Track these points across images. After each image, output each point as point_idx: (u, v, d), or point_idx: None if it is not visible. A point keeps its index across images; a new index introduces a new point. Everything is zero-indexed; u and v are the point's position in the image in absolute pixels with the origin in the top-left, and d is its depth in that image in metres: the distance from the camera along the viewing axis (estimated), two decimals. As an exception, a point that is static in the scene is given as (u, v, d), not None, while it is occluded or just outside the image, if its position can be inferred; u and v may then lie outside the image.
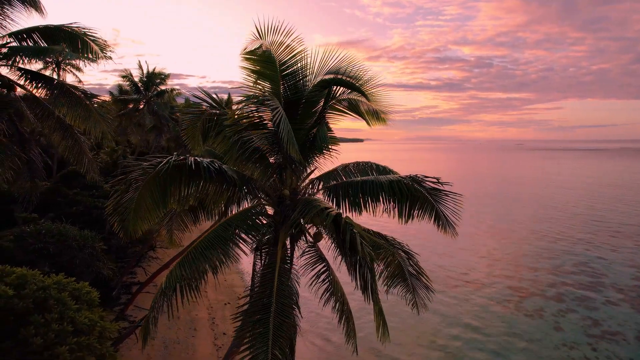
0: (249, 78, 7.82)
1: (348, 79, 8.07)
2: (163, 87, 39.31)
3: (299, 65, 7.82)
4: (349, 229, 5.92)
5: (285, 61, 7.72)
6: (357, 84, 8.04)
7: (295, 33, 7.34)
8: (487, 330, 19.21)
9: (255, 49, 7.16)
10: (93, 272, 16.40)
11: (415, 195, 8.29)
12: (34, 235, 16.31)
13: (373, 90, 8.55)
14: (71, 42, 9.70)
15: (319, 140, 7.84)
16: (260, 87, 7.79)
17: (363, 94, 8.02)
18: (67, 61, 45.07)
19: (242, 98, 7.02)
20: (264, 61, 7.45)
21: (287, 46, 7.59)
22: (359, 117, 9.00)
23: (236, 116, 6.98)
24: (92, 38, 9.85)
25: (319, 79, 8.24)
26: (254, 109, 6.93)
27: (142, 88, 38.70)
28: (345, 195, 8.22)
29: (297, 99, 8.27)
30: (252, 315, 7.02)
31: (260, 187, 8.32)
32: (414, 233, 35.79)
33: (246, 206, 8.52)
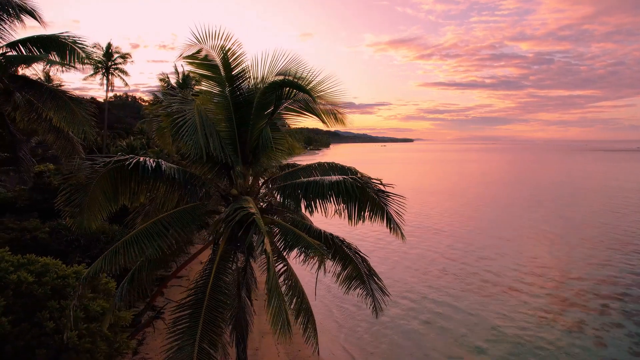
0: (203, 81, 8.11)
1: (295, 80, 8.17)
2: (198, 88, 41.09)
3: (242, 67, 8.01)
4: (253, 228, 6.04)
5: (229, 64, 7.93)
6: (303, 85, 8.12)
7: (234, 37, 7.54)
8: (518, 341, 17.66)
9: (194, 54, 7.44)
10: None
11: (364, 197, 8.26)
12: (67, 227, 17.70)
13: (326, 92, 8.59)
14: (60, 50, 10.58)
15: (263, 140, 7.99)
16: (206, 90, 8.06)
17: (309, 94, 8.09)
18: (115, 66, 48.41)
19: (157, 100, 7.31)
20: (206, 65, 7.72)
21: (229, 50, 7.80)
22: (316, 118, 9.06)
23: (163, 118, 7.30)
24: (80, 46, 10.69)
25: (269, 80, 8.40)
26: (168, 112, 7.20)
27: (178, 90, 40.65)
28: (291, 195, 8.32)
29: (247, 100, 8.47)
30: (186, 310, 7.31)
31: (211, 186, 8.60)
32: (456, 239, 35.06)
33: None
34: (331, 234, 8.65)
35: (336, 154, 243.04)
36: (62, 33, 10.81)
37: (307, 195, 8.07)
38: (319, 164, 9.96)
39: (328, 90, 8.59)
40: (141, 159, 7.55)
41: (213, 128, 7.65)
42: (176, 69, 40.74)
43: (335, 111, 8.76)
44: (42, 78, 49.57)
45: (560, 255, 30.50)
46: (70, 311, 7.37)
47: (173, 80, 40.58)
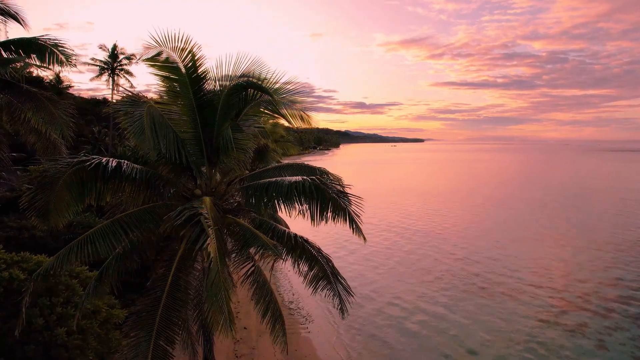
0: (162, 83, 8.26)
1: (258, 82, 8.27)
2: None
3: (203, 69, 8.13)
4: (198, 228, 6.15)
5: (191, 66, 8.05)
6: (265, 87, 8.22)
7: (194, 40, 7.67)
8: (515, 342, 17.36)
9: (154, 57, 7.58)
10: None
11: (325, 198, 8.32)
12: (65, 226, 18.05)
13: (289, 93, 8.68)
14: (40, 52, 10.85)
15: (222, 141, 8.10)
16: (167, 91, 8.18)
17: (270, 95, 8.18)
18: (121, 67, 49.18)
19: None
20: (168, 67, 7.86)
21: (190, 52, 7.92)
22: (282, 118, 9.16)
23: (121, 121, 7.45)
24: (60, 49, 10.94)
25: (234, 82, 8.51)
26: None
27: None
28: (254, 195, 8.42)
29: (212, 102, 8.58)
30: (144, 307, 7.46)
31: (178, 186, 8.74)
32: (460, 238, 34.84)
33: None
34: (295, 234, 8.70)
35: (346, 154, 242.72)
36: (42, 36, 11.10)
37: (268, 196, 8.15)
38: (289, 164, 10.05)
39: (291, 92, 8.70)
40: (104, 159, 7.70)
41: (170, 129, 7.78)
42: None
43: (298, 110, 8.81)
44: (53, 80, 50.59)
45: (566, 257, 29.98)
46: (23, 308, 7.53)
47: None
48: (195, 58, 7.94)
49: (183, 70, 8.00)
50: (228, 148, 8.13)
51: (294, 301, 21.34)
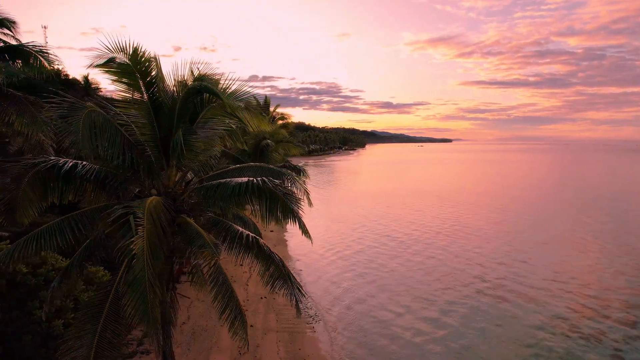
0: (120, 87, 8.63)
1: (211, 86, 8.55)
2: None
3: (154, 74, 8.45)
4: (126, 226, 6.45)
5: (144, 72, 8.39)
6: (217, 91, 8.49)
7: (144, 48, 8.01)
8: (527, 347, 16.92)
9: (107, 63, 7.95)
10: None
11: (273, 198, 8.52)
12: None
13: (243, 97, 8.92)
14: (25, 58, 11.54)
15: (175, 143, 8.40)
16: (124, 95, 8.55)
17: (221, 98, 8.44)
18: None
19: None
20: (122, 73, 8.22)
21: (142, 58, 8.25)
22: (240, 120, 9.40)
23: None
24: (44, 55, 11.61)
25: (189, 86, 8.82)
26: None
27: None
28: (205, 195, 8.70)
29: (168, 105, 8.91)
30: (94, 300, 7.85)
31: (138, 186, 9.11)
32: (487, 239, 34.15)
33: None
34: (249, 234, 8.93)
35: (371, 154, 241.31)
36: (28, 43, 11.82)
37: (216, 195, 8.40)
38: (253, 165, 10.29)
39: (247, 94, 8.94)
40: (61, 160, 8.13)
41: (118, 132, 8.12)
42: (191, 71, 42.15)
43: (248, 111, 9.03)
44: (82, 82, 52.84)
45: (592, 262, 28.80)
46: None
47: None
48: (147, 64, 8.28)
49: (137, 74, 8.35)
50: (182, 150, 8.42)
51: (302, 301, 21.52)
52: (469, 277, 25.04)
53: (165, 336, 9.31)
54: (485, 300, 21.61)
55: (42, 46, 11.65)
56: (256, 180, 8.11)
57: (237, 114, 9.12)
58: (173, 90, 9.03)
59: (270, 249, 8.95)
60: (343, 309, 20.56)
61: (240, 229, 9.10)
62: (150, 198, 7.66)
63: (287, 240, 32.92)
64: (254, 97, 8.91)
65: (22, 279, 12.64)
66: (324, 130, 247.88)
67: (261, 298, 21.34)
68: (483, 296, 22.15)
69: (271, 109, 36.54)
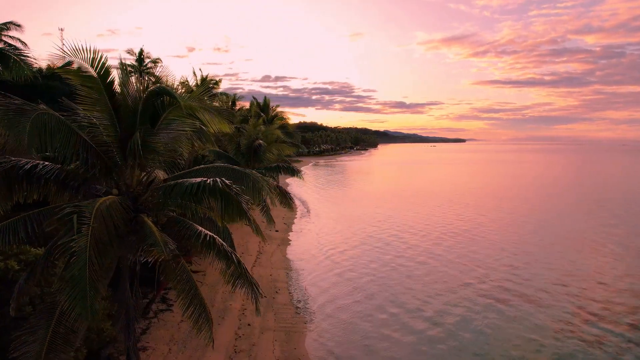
0: (82, 89, 8.86)
1: (169, 89, 8.75)
2: (216, 90, 43.69)
3: (111, 77, 8.66)
4: (69, 225, 6.65)
5: (104, 74, 8.60)
6: (175, 93, 8.68)
7: (101, 52, 8.23)
8: (524, 350, 16.68)
9: (65, 66, 8.19)
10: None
11: (229, 199, 8.66)
12: None
13: (200, 98, 9.09)
14: (5, 61, 11.92)
15: (131, 144, 8.60)
16: (85, 97, 8.77)
17: (178, 100, 8.62)
18: (147, 70, 51.72)
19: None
20: (82, 76, 8.46)
21: (101, 61, 8.47)
22: (201, 121, 9.58)
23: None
24: (22, 58, 11.99)
25: (150, 89, 9.03)
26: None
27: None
28: (163, 195, 8.89)
29: (130, 107, 9.13)
30: (51, 297, 8.08)
31: (101, 186, 9.35)
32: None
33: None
34: (207, 234, 9.10)
35: (383, 154, 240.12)
36: (6, 47, 12.18)
37: (173, 195, 8.58)
38: (218, 166, 10.46)
39: (201, 97, 9.13)
40: (22, 161, 8.40)
41: (73, 134, 8.34)
42: (194, 72, 42.83)
43: (208, 112, 9.19)
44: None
45: (599, 264, 28.24)
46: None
47: (192, 83, 42.66)
48: (106, 67, 8.49)
49: (96, 77, 8.57)
50: (139, 150, 8.61)
51: (302, 300, 21.43)
52: (469, 278, 24.92)
53: (129, 332, 9.52)
54: (485, 301, 21.53)
55: (21, 50, 12.02)
56: (209, 180, 8.26)
57: (197, 115, 9.30)
58: (136, 92, 9.23)
59: (228, 249, 9.11)
60: (342, 309, 20.52)
61: (200, 228, 9.26)
62: (105, 197, 7.87)
63: (290, 241, 32.96)
64: (225, 95, 9.08)
65: (13, 276, 13.03)
66: (335, 130, 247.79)
67: (261, 297, 21.46)
68: (484, 298, 22.03)
69: (279, 109, 36.77)
